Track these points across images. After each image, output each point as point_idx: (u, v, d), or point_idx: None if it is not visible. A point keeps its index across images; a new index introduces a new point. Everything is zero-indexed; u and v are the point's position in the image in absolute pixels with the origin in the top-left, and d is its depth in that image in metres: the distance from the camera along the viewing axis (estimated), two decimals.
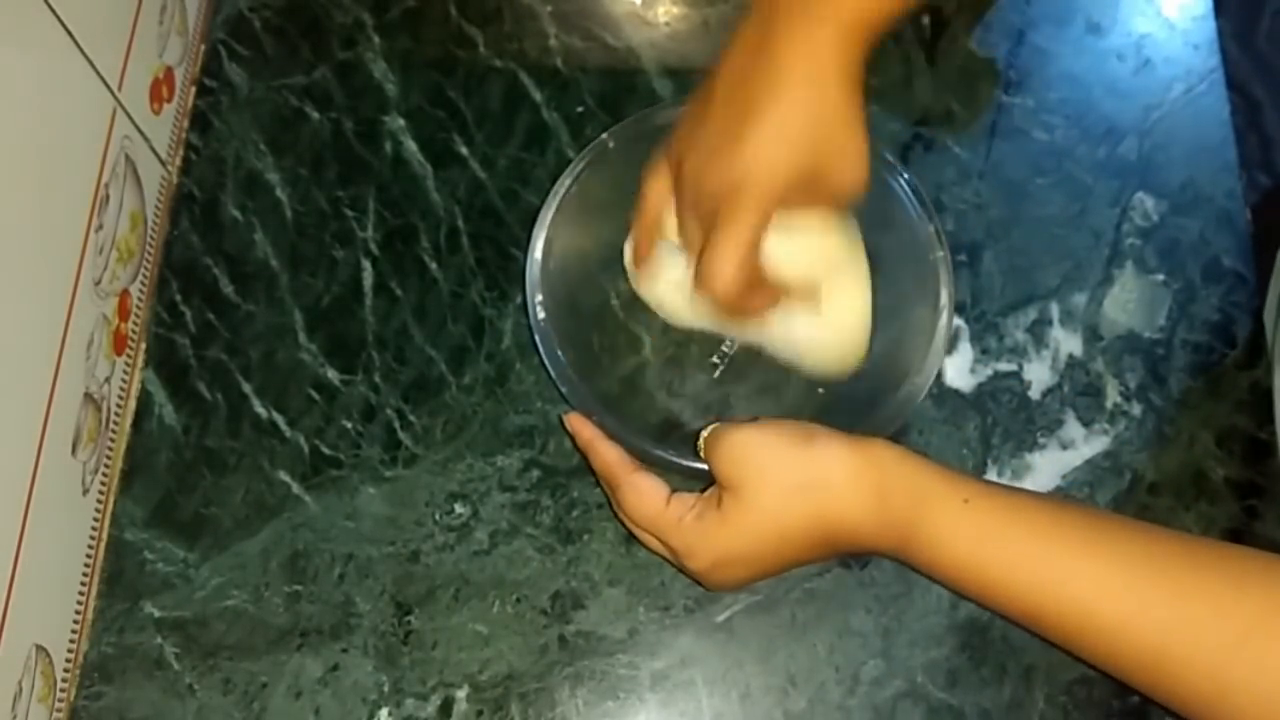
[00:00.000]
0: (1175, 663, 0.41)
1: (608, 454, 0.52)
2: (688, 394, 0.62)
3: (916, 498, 0.46)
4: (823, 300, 0.54)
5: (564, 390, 0.55)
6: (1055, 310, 0.65)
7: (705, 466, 0.51)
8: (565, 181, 0.58)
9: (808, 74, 0.46)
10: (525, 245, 0.58)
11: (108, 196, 0.60)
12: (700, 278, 0.49)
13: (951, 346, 0.64)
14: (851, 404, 0.58)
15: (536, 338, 0.55)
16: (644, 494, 0.50)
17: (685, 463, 0.52)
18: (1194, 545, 0.43)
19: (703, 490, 0.51)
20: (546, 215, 0.58)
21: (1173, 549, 0.43)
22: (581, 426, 0.53)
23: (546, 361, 0.55)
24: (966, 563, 0.45)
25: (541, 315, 0.56)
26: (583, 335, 0.60)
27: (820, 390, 0.60)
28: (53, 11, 0.53)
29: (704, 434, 0.50)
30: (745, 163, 0.47)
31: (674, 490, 0.51)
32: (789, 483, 0.47)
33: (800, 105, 0.46)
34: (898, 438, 0.61)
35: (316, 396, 0.63)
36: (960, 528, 0.45)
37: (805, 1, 0.46)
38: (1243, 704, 0.39)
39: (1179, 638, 0.41)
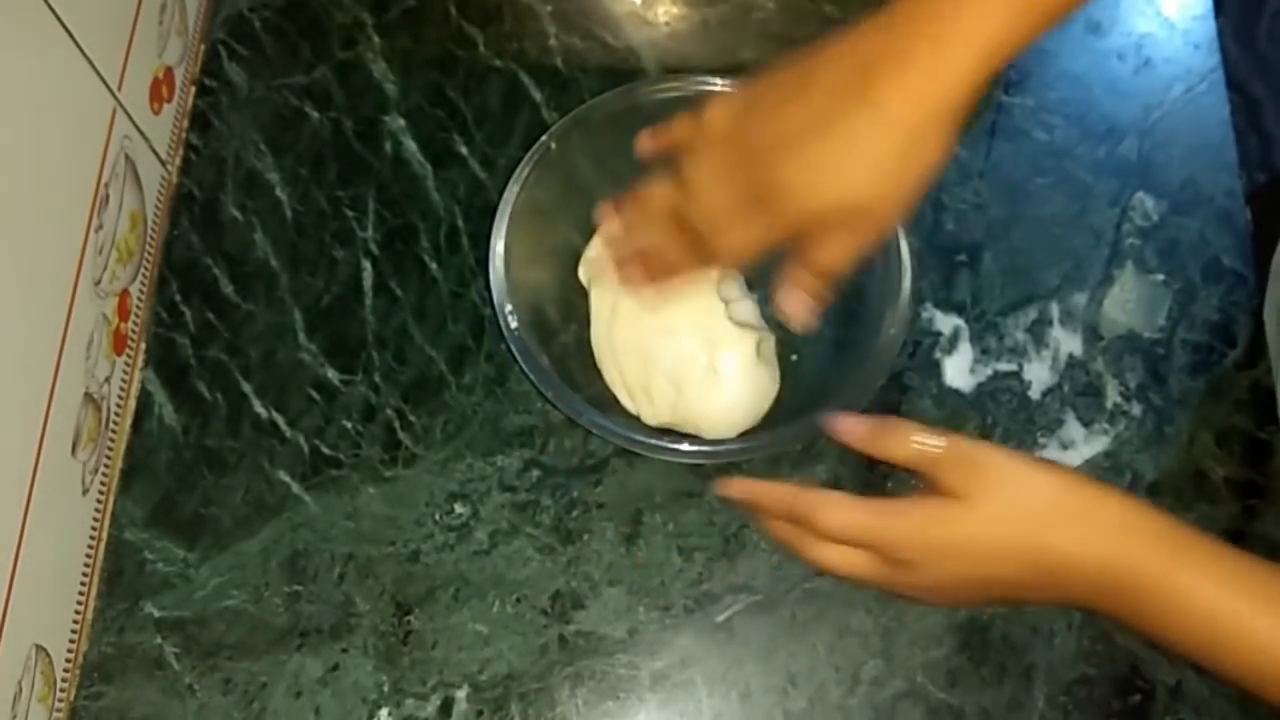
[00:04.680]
0: None
1: (776, 488, 0.51)
2: None
3: (1167, 543, 0.45)
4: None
5: (549, 395, 0.55)
6: (1055, 310, 0.65)
7: (693, 448, 0.52)
8: (514, 189, 0.58)
9: (917, 131, 0.44)
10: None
11: (108, 196, 0.60)
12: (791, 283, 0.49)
13: (951, 346, 0.64)
14: (825, 366, 0.59)
15: (513, 348, 0.55)
16: (843, 502, 0.48)
17: (677, 446, 0.53)
18: None
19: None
20: (501, 225, 0.58)
21: None
22: (737, 486, 0.52)
23: (526, 369, 0.55)
24: (1210, 613, 0.44)
25: (514, 324, 0.55)
26: (557, 337, 0.60)
27: (794, 357, 0.61)
28: (53, 11, 0.53)
29: (927, 440, 0.49)
30: (849, 191, 0.45)
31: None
32: (1027, 505, 0.46)
33: (901, 149, 0.44)
34: None
35: (316, 396, 0.63)
36: (1213, 577, 0.44)
37: (935, 41, 0.43)
38: None
39: None
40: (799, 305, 0.49)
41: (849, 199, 0.45)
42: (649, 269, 0.53)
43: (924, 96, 0.43)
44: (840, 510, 0.48)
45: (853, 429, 0.50)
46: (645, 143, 0.54)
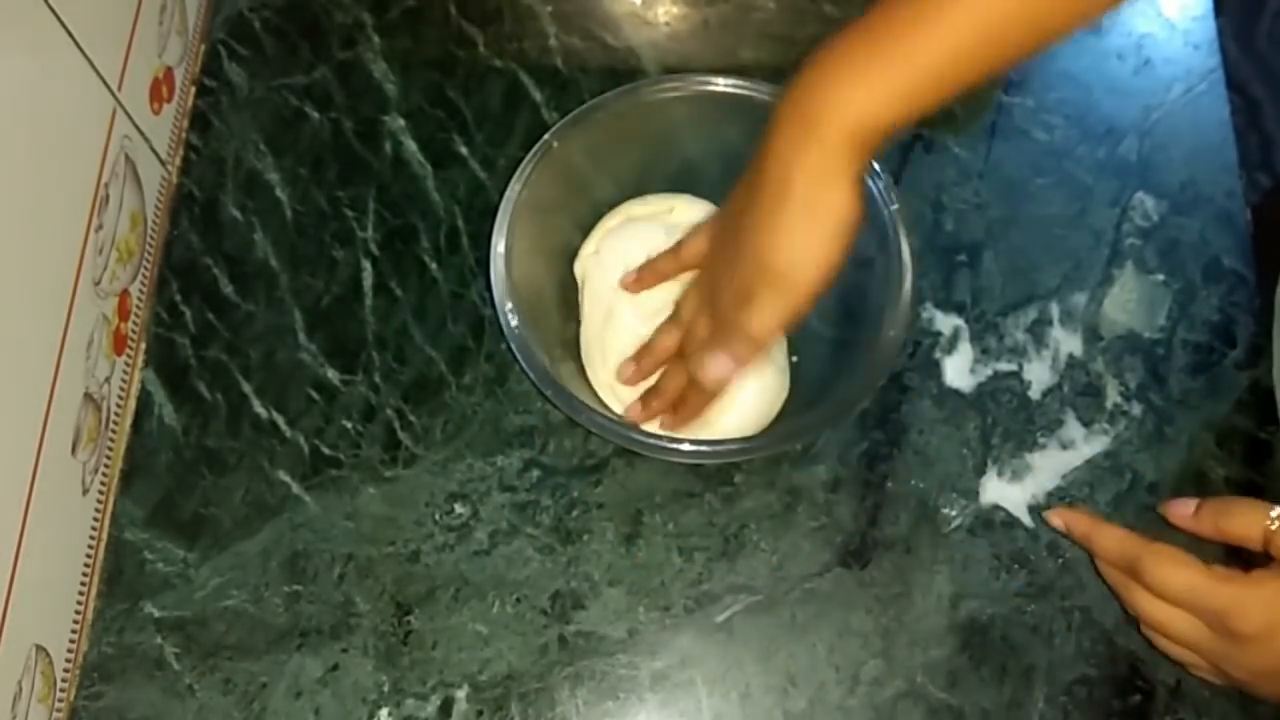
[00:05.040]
0: None
1: (1116, 531, 0.50)
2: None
3: None
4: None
5: (549, 395, 0.55)
6: (1055, 310, 0.65)
7: (693, 448, 0.52)
8: (514, 188, 0.58)
9: (806, 195, 0.48)
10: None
11: (108, 196, 0.60)
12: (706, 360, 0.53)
13: (951, 346, 0.64)
14: (826, 366, 0.59)
15: (513, 346, 0.55)
16: (1178, 558, 0.48)
17: (677, 446, 0.53)
18: None
19: None
20: (502, 225, 0.57)
21: None
22: (1073, 519, 0.52)
23: (526, 369, 0.55)
24: None
25: (514, 322, 0.55)
26: (557, 336, 0.60)
27: (794, 358, 0.61)
28: (53, 11, 0.53)
29: (1272, 513, 0.48)
30: (747, 273, 0.50)
31: None
32: None
33: (793, 221, 0.49)
34: (895, 439, 0.62)
35: (316, 396, 0.63)
36: None
37: (806, 124, 0.48)
38: None
39: None
40: (717, 366, 0.51)
41: (765, 265, 0.49)
42: (677, 416, 0.57)
43: (804, 166, 0.47)
44: (1177, 568, 0.47)
45: (1190, 515, 0.50)
46: (629, 283, 0.60)
